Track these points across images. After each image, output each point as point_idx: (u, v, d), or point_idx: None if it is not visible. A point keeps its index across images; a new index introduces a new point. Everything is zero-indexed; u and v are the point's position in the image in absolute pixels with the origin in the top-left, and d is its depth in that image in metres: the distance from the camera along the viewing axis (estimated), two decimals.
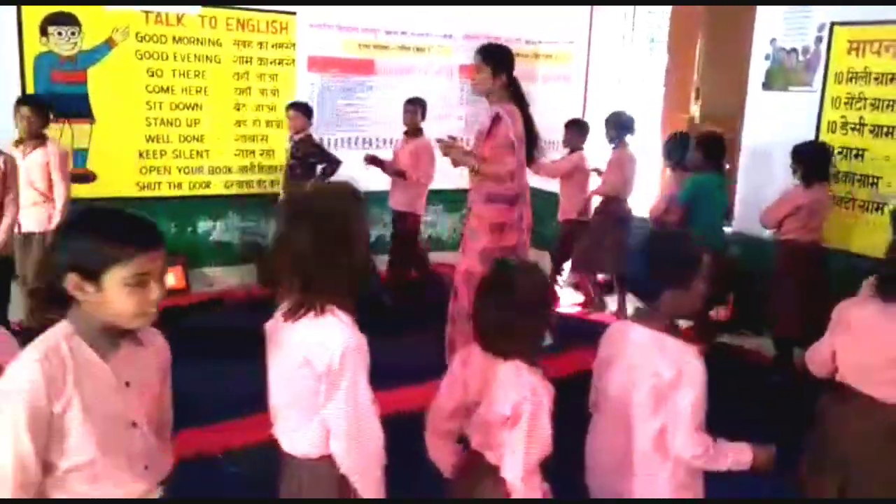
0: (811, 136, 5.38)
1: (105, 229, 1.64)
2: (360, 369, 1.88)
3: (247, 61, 6.79)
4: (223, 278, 6.59)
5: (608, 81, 7.54)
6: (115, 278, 1.61)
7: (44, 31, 5.98)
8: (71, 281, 1.61)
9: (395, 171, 6.24)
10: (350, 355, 1.85)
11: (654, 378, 2.08)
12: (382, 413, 1.95)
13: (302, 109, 6.24)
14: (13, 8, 5.86)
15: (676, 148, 5.62)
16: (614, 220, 5.91)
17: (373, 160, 6.24)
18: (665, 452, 2.10)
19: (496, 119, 4.27)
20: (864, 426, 2.54)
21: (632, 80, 7.48)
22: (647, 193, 6.52)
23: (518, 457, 1.98)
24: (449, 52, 7.79)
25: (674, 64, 7.08)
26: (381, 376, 2.03)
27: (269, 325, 2.01)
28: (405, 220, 6.30)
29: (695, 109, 6.96)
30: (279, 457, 2.02)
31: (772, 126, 5.72)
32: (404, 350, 4.51)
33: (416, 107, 6.28)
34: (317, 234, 1.89)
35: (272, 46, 6.88)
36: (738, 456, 2.12)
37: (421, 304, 5.81)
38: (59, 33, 6.03)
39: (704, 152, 5.32)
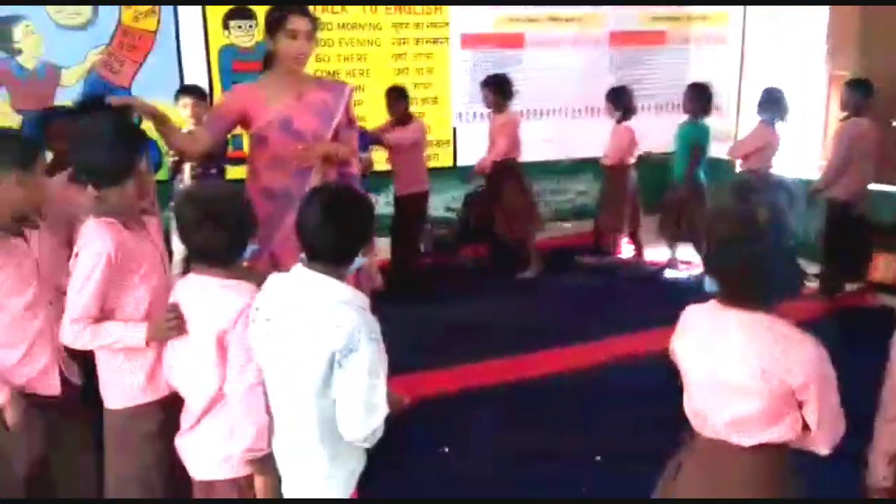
0: None
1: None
2: None
3: (404, 42, 7.16)
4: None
5: (766, 41, 7.32)
6: None
7: (225, 26, 6.63)
8: None
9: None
10: None
11: None
12: None
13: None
14: (199, 6, 6.51)
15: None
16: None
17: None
18: None
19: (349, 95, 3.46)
20: None
21: (791, 38, 7.22)
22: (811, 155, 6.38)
23: None
24: (599, 21, 7.82)
25: (835, 19, 6.78)
26: None
27: None
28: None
29: (858, 65, 6.64)
30: None
31: None
32: None
33: None
34: None
35: (427, 26, 7.21)
36: None
37: None
38: (239, 27, 6.65)
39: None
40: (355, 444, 1.94)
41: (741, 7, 7.44)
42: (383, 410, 1.91)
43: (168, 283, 2.42)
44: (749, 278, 1.79)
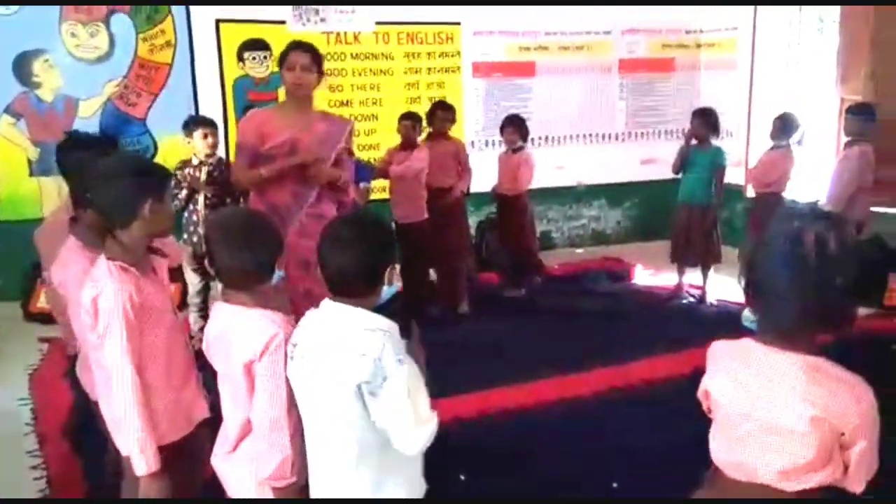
0: None
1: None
2: None
3: (416, 72, 7.24)
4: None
5: (775, 66, 7.37)
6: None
7: (240, 58, 6.71)
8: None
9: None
10: None
11: None
12: None
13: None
14: (214, 39, 6.60)
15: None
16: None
17: None
18: None
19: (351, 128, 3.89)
20: None
21: (801, 63, 7.27)
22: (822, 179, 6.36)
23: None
24: (608, 48, 7.89)
25: (846, 44, 6.82)
26: None
27: None
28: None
29: (869, 90, 6.67)
30: None
31: None
32: None
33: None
34: None
35: (439, 56, 7.29)
36: None
37: None
38: (254, 58, 6.74)
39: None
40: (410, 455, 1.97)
41: (750, 34, 7.50)
42: (433, 419, 1.97)
43: (178, 323, 2.40)
44: (803, 315, 1.68)
